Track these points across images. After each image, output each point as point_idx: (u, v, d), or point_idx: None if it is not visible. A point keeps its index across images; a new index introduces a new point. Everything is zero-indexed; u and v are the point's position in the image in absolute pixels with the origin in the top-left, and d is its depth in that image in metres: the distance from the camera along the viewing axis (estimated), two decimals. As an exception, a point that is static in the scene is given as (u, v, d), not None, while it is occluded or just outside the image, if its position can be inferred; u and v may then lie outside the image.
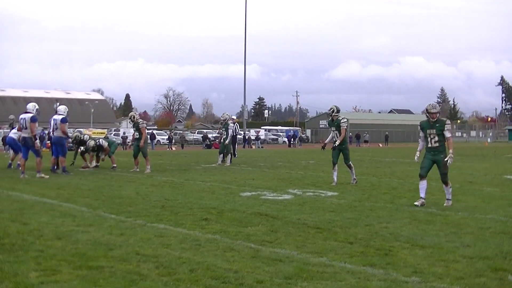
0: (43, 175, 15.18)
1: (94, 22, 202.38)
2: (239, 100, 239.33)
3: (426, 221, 8.49)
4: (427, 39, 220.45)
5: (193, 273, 5.35)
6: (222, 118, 23.20)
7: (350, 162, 14.36)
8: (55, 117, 17.04)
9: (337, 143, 14.14)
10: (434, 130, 10.24)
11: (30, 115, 15.61)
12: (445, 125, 10.22)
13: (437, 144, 10.24)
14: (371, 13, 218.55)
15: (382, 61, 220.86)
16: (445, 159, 10.10)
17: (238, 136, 36.88)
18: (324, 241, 6.96)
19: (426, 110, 10.43)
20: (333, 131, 14.39)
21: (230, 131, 21.83)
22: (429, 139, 10.33)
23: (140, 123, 18.24)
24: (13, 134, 18.32)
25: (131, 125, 18.96)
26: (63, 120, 16.91)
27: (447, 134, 10.18)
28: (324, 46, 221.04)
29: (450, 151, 10.12)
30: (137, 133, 18.22)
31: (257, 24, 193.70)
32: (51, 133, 17.32)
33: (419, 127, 10.57)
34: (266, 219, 8.53)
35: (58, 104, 28.17)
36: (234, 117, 23.27)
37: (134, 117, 18.54)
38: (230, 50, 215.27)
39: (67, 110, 17.67)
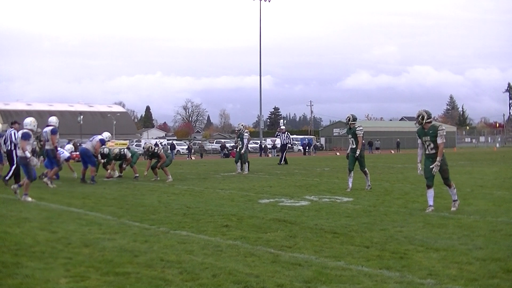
0: (54, 185, 15.67)
1: (112, 37, 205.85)
2: (254, 110, 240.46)
3: (439, 225, 8.59)
4: (433, 48, 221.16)
5: (215, 278, 5.48)
6: (236, 129, 23.62)
7: (366, 169, 14.52)
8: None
9: (357, 152, 14.29)
10: (428, 137, 10.22)
11: (51, 127, 16.14)
12: (438, 131, 10.15)
13: (433, 151, 10.20)
14: (379, 24, 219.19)
15: (391, 70, 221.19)
16: (431, 166, 10.15)
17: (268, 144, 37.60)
18: (341, 245, 7.09)
19: None
20: (350, 138, 14.60)
21: (245, 141, 22.32)
22: (425, 145, 10.33)
23: (159, 151, 18.84)
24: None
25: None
26: (102, 141, 18.09)
27: (438, 140, 10.11)
28: (334, 56, 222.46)
29: (438, 158, 10.08)
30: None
31: (269, 37, 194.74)
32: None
33: (416, 134, 10.54)
34: (285, 225, 8.68)
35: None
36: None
37: (151, 147, 18.98)
38: (244, 62, 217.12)
39: (109, 136, 19.17)
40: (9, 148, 15.77)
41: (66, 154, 18.24)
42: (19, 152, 12.93)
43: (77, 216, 9.79)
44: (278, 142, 46.86)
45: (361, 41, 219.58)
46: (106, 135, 18.75)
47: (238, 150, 22.70)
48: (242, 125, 23.54)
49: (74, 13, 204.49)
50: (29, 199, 12.21)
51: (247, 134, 22.84)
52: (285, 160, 30.51)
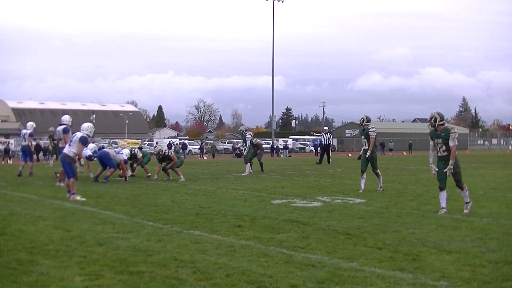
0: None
1: (124, 36, 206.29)
2: (265, 110, 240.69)
3: (452, 227, 8.57)
4: (445, 50, 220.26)
5: (229, 278, 5.51)
6: (240, 130, 24.57)
7: (378, 170, 14.48)
8: None
9: (368, 153, 14.29)
10: (441, 140, 10.22)
11: (63, 126, 16.27)
12: (450, 134, 10.15)
13: (445, 153, 10.20)
14: (390, 25, 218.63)
15: (403, 71, 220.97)
16: (444, 170, 10.14)
17: (270, 146, 37.53)
18: (354, 246, 7.11)
19: None
20: (363, 139, 14.58)
21: (248, 142, 22.72)
22: (437, 148, 10.33)
23: (170, 154, 19.10)
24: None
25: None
26: (126, 161, 18.63)
27: (450, 143, 10.10)
28: (346, 57, 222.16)
29: (450, 161, 10.08)
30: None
31: (281, 37, 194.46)
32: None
33: (429, 136, 10.54)
34: (297, 226, 8.70)
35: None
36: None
37: (162, 151, 19.11)
38: (256, 63, 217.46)
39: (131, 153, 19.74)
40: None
41: (88, 152, 18.33)
42: (65, 150, 12.84)
43: (90, 215, 9.85)
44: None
45: (372, 43, 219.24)
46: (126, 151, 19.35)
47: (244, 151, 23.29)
48: (244, 127, 24.53)
49: (85, 12, 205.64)
50: (78, 197, 12.20)
51: (249, 136, 23.04)
52: (328, 160, 31.50)
